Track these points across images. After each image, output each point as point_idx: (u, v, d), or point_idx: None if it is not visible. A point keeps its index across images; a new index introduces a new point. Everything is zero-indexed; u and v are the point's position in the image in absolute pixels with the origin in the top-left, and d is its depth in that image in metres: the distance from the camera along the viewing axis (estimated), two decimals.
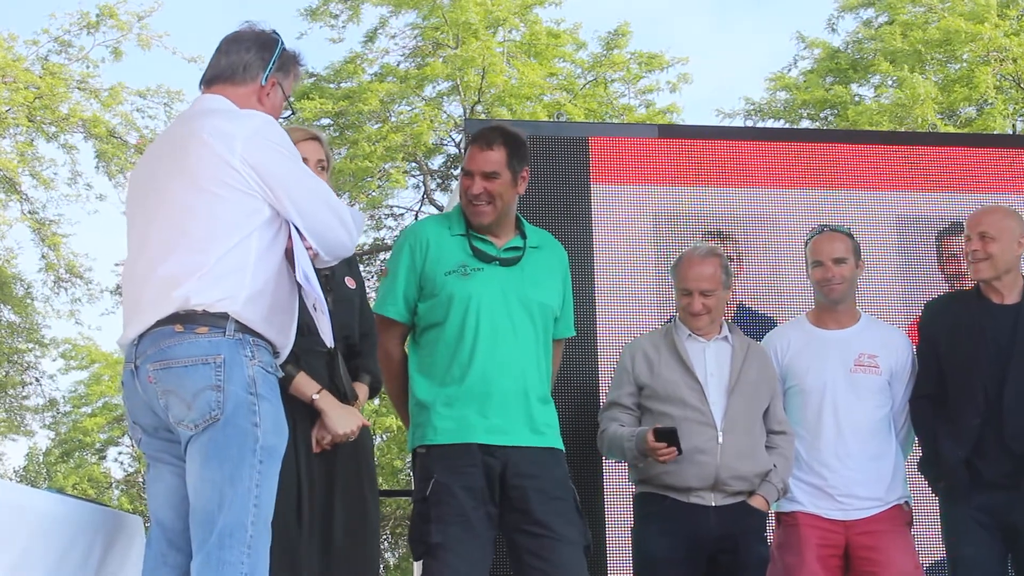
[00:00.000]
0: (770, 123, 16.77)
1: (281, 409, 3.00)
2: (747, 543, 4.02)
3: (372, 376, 3.71)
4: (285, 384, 3.24)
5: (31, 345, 18.95)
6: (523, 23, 17.09)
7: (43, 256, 16.79)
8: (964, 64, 15.01)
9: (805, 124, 16.27)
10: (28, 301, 17.59)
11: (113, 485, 26.30)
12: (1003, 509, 4.07)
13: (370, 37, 17.22)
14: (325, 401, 3.44)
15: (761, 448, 4.09)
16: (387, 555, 21.25)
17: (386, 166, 16.59)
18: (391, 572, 21.68)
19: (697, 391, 4.06)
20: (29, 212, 16.48)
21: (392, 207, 17.76)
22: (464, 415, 3.66)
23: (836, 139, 5.62)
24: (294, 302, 3.13)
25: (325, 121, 16.20)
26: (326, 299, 3.20)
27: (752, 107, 17.11)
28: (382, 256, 16.66)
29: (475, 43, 15.95)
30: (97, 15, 15.99)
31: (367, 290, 3.89)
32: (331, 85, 16.85)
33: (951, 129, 14.55)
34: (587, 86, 17.36)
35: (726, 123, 16.94)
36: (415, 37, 17.14)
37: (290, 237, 3.05)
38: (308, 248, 3.07)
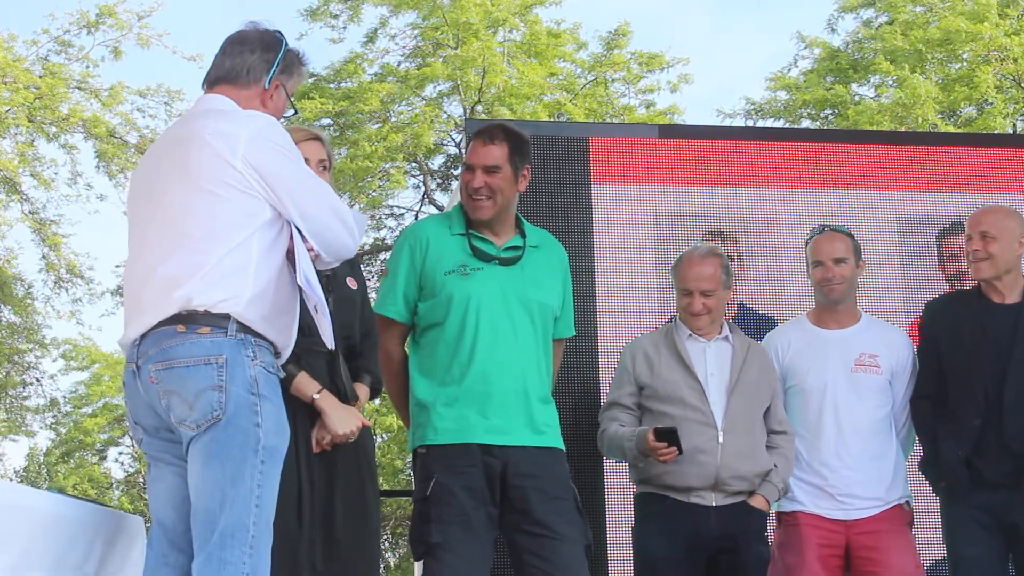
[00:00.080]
0: (770, 123, 16.78)
1: (283, 409, 3.00)
2: (747, 543, 4.02)
3: (373, 377, 3.71)
4: (286, 384, 3.24)
5: (31, 345, 18.95)
6: (523, 23, 17.09)
7: (43, 256, 16.81)
8: (964, 64, 15.01)
9: (805, 124, 16.27)
10: (28, 301, 17.60)
11: (114, 485, 26.32)
12: (1003, 509, 4.07)
13: (370, 37, 17.24)
14: (325, 401, 3.44)
15: (762, 448, 4.09)
16: (388, 555, 21.26)
17: (386, 166, 16.60)
18: (392, 572, 21.68)
19: (697, 391, 4.06)
20: (29, 212, 16.49)
21: (392, 207, 17.79)
22: (464, 415, 3.66)
23: (837, 139, 5.62)
24: (295, 303, 3.12)
25: (325, 121, 16.21)
26: (327, 300, 3.20)
27: (752, 107, 17.12)
28: (382, 256, 16.66)
29: (475, 43, 15.96)
30: (97, 15, 15.99)
31: (368, 290, 3.89)
32: (331, 85, 16.86)
33: (951, 129, 14.56)
34: (587, 86, 17.37)
35: (726, 123, 16.95)
36: (415, 37, 17.15)
37: (291, 238, 3.05)
38: (309, 249, 3.06)
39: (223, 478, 2.84)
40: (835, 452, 4.20)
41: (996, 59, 14.75)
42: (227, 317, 2.91)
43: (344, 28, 17.25)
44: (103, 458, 26.54)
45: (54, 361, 22.86)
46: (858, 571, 4.17)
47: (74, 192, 16.71)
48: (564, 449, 3.82)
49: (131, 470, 25.66)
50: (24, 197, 16.41)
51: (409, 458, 3.93)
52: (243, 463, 2.86)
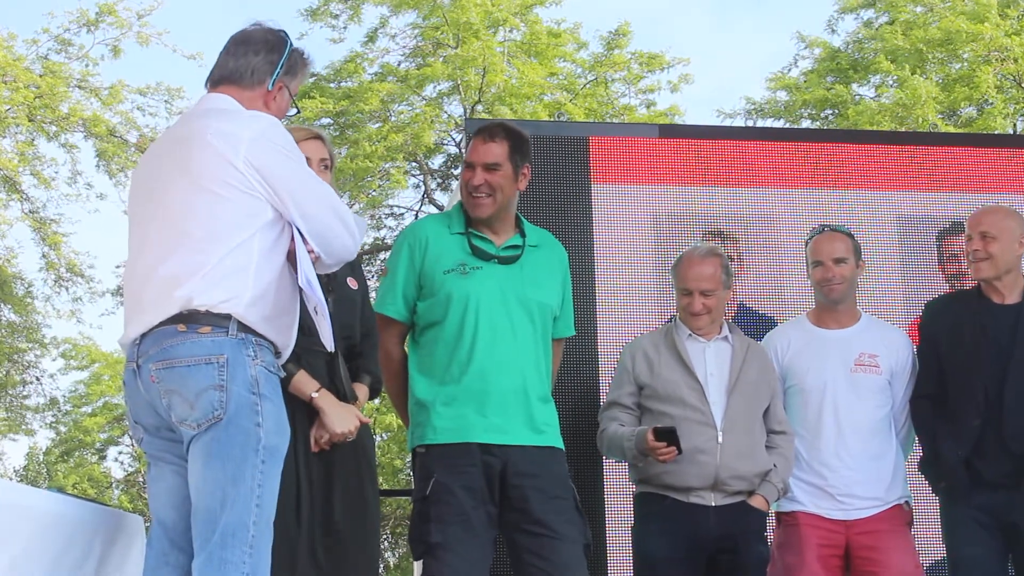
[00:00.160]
0: (770, 123, 16.78)
1: (283, 409, 3.00)
2: (747, 543, 4.02)
3: (372, 377, 3.71)
4: (284, 382, 3.24)
5: (31, 345, 18.96)
6: (523, 23, 17.09)
7: (43, 255, 16.81)
8: (965, 64, 15.01)
9: (805, 124, 16.27)
10: (28, 300, 17.60)
11: (113, 484, 26.32)
12: (1003, 509, 4.07)
13: (370, 37, 17.24)
14: (324, 400, 3.44)
15: (761, 448, 4.09)
16: (387, 555, 21.25)
17: (386, 166, 16.60)
18: (391, 572, 21.68)
19: (697, 391, 4.06)
20: (29, 211, 16.48)
21: (392, 207, 17.79)
22: (463, 414, 3.66)
23: (837, 139, 5.62)
24: (295, 303, 3.12)
25: (325, 120, 16.21)
26: (327, 299, 3.19)
27: (753, 107, 17.12)
28: (382, 256, 16.66)
29: (475, 43, 15.96)
30: (97, 13, 15.99)
31: (369, 290, 3.89)
32: (331, 84, 16.86)
33: (952, 129, 14.56)
34: (587, 86, 17.37)
35: (726, 123, 16.95)
36: (415, 37, 17.15)
37: (292, 240, 3.04)
38: (310, 251, 3.06)
39: (224, 477, 2.84)
40: (835, 452, 4.20)
41: (996, 59, 14.75)
42: (228, 317, 2.91)
43: (344, 28, 17.26)
44: (103, 457, 26.55)
45: (54, 360, 22.87)
46: (857, 571, 4.17)
47: (74, 191, 16.71)
48: (563, 448, 3.82)
49: (131, 469, 25.66)
50: (24, 196, 16.41)
51: (409, 457, 3.93)
52: (244, 463, 2.86)
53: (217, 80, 3.19)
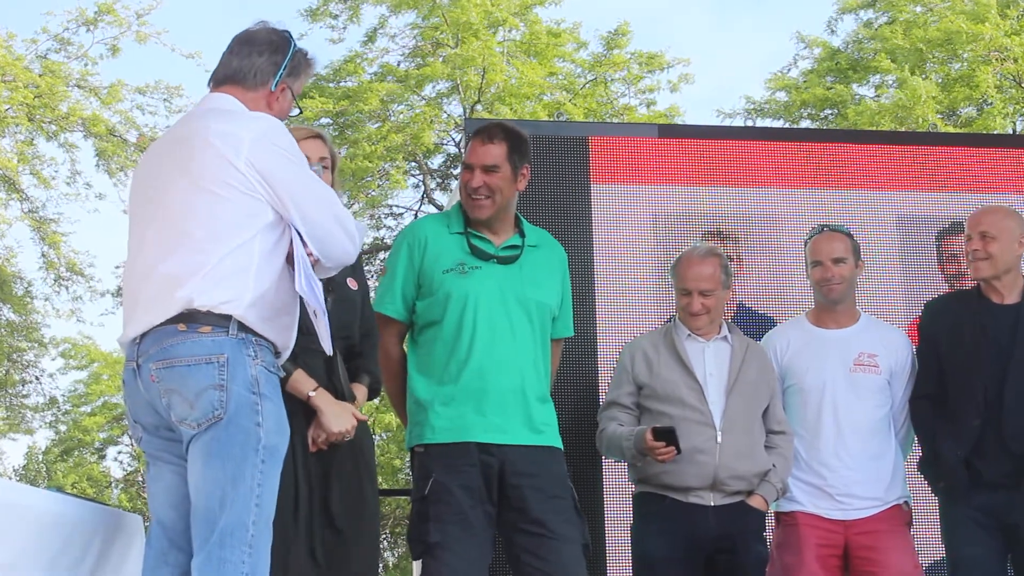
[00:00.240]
0: (770, 123, 16.79)
1: (283, 409, 3.00)
2: (746, 543, 4.02)
3: (372, 377, 3.70)
4: (282, 381, 3.24)
5: (31, 344, 18.96)
6: (523, 22, 17.09)
7: (43, 255, 16.80)
8: (965, 63, 15.02)
9: (805, 124, 16.28)
10: (28, 300, 17.60)
11: (112, 484, 26.32)
12: (1003, 509, 4.07)
13: (370, 37, 17.24)
14: (321, 399, 3.43)
15: (760, 448, 4.09)
16: (387, 554, 21.26)
17: (386, 166, 16.61)
18: (391, 572, 21.68)
19: (696, 391, 4.06)
20: (29, 211, 16.48)
21: (392, 206, 17.79)
22: (462, 414, 3.66)
23: (836, 139, 5.62)
24: (295, 304, 3.12)
25: (325, 120, 16.21)
26: (327, 299, 3.19)
27: (752, 106, 17.13)
28: (382, 255, 16.66)
29: (475, 42, 15.96)
30: (96, 12, 15.99)
31: (369, 291, 3.88)
32: (331, 84, 16.86)
33: (951, 129, 14.56)
34: (587, 86, 17.37)
35: (726, 123, 16.96)
36: (415, 37, 17.15)
37: (292, 243, 3.04)
38: (309, 254, 3.05)
39: (223, 477, 2.84)
40: (834, 452, 4.20)
41: (996, 59, 14.76)
42: (228, 317, 2.91)
43: (344, 28, 17.26)
44: (102, 457, 26.55)
45: (53, 360, 22.88)
46: (856, 571, 4.17)
47: (73, 191, 16.71)
48: (562, 448, 3.82)
49: (130, 469, 25.66)
50: (24, 196, 16.41)
51: (408, 457, 3.93)
52: (244, 462, 2.86)
53: (220, 80, 3.19)
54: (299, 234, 3.03)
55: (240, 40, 3.22)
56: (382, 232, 17.60)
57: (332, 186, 3.64)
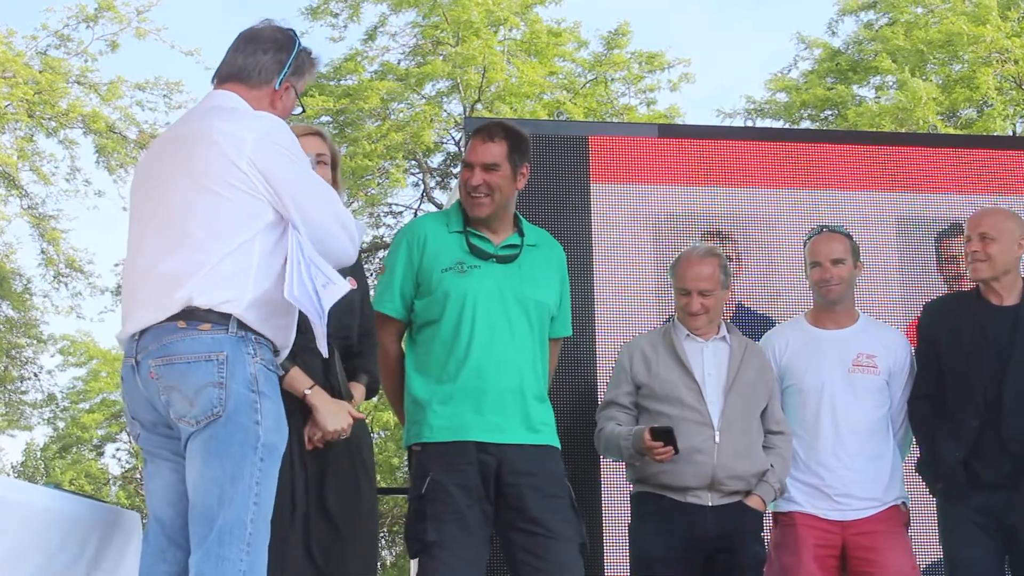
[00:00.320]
0: (770, 123, 16.79)
1: (282, 407, 2.99)
2: (744, 543, 4.02)
3: (370, 376, 3.69)
4: (279, 379, 3.23)
5: (30, 340, 18.96)
6: (523, 22, 17.09)
7: (42, 252, 16.80)
8: (965, 65, 15.02)
9: (805, 125, 16.28)
10: (27, 297, 17.60)
11: (111, 481, 26.33)
12: (1001, 510, 4.07)
13: (370, 35, 17.24)
14: (317, 397, 3.43)
15: (758, 448, 4.09)
16: (384, 553, 21.27)
17: (386, 164, 16.60)
18: (388, 571, 21.70)
19: (695, 391, 4.06)
20: (28, 207, 16.48)
21: (391, 205, 17.79)
22: (459, 413, 3.66)
23: (836, 140, 5.62)
24: (295, 304, 3.11)
25: (325, 119, 16.21)
26: None
27: (753, 106, 17.13)
28: (381, 254, 16.66)
29: (476, 41, 15.96)
30: (96, 8, 15.99)
31: (369, 290, 3.87)
32: (331, 83, 16.86)
33: (951, 130, 14.56)
34: (587, 85, 17.37)
35: (726, 123, 16.96)
36: (415, 35, 17.15)
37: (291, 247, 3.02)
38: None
39: (222, 475, 2.84)
40: (832, 452, 4.20)
41: (997, 61, 14.76)
42: (228, 315, 2.90)
43: (344, 27, 17.27)
44: (100, 454, 26.56)
45: (52, 357, 22.89)
46: (854, 572, 4.17)
47: (73, 187, 16.72)
48: (560, 447, 3.82)
49: (128, 466, 25.67)
50: (23, 192, 16.41)
51: (406, 455, 3.92)
52: (243, 460, 2.85)
53: (224, 77, 3.18)
54: (296, 241, 3.01)
55: (245, 38, 3.21)
56: (381, 231, 17.61)
57: (334, 185, 3.63)
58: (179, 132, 3.13)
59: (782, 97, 16.94)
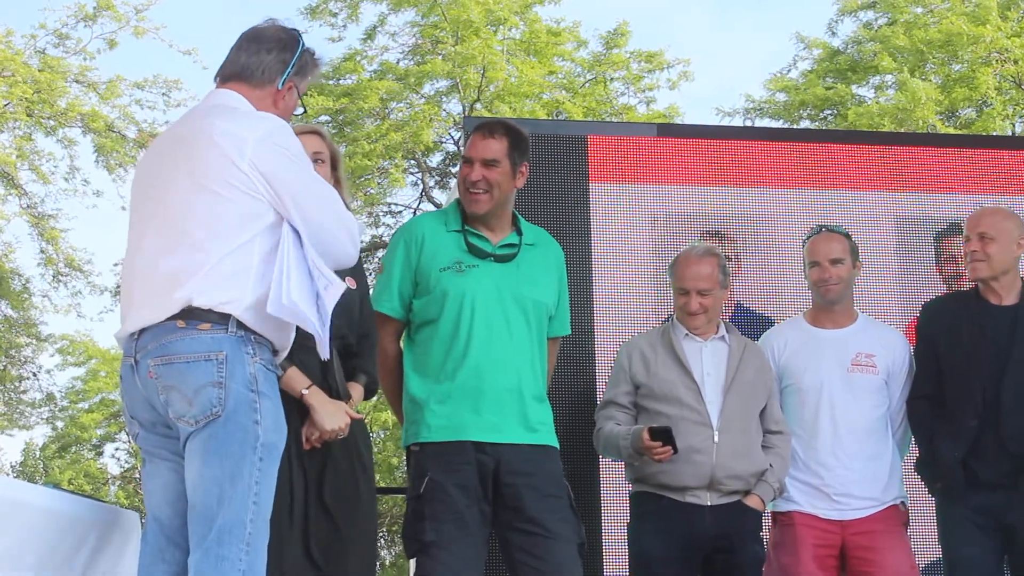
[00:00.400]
0: (769, 123, 16.80)
1: (281, 407, 2.99)
2: (743, 542, 4.02)
3: (369, 377, 3.68)
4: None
5: (29, 340, 18.95)
6: (523, 21, 17.09)
7: (42, 251, 16.80)
8: (965, 64, 15.02)
9: (805, 124, 16.29)
10: (26, 296, 17.59)
11: (110, 481, 26.32)
12: (1000, 510, 4.07)
13: (369, 35, 17.23)
14: (314, 397, 3.42)
15: (757, 447, 4.09)
16: (383, 552, 21.27)
17: (385, 164, 16.61)
18: (387, 570, 21.70)
19: (693, 390, 4.06)
20: (27, 207, 16.48)
21: (391, 204, 17.79)
22: (457, 412, 3.66)
23: (835, 139, 5.62)
24: None
25: (324, 118, 16.21)
26: None
27: (752, 105, 17.13)
28: (380, 253, 16.66)
29: (475, 41, 15.96)
30: (95, 7, 15.98)
31: (369, 290, 3.86)
32: (330, 82, 16.85)
33: (950, 130, 14.56)
34: (587, 85, 17.37)
35: (726, 121, 16.97)
36: (414, 35, 17.15)
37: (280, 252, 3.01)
38: None
39: (222, 475, 2.84)
40: (831, 452, 4.20)
41: (996, 61, 14.76)
42: (227, 315, 2.90)
43: (344, 27, 17.27)
44: (99, 453, 26.56)
45: (51, 356, 22.88)
46: (853, 571, 4.17)
47: (71, 187, 16.72)
48: (558, 447, 3.81)
49: (127, 465, 25.67)
50: (22, 191, 16.41)
51: (405, 455, 3.92)
52: (242, 460, 2.85)
53: (227, 76, 3.18)
54: (295, 240, 3.01)
55: (249, 37, 3.21)
56: (381, 230, 17.61)
57: (335, 184, 3.63)
58: (180, 132, 3.13)
59: (781, 97, 16.94)
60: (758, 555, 4.09)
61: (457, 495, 3.59)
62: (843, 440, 4.20)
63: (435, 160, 17.94)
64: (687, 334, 4.16)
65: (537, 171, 4.62)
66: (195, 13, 34.91)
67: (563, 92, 16.88)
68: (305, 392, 3.42)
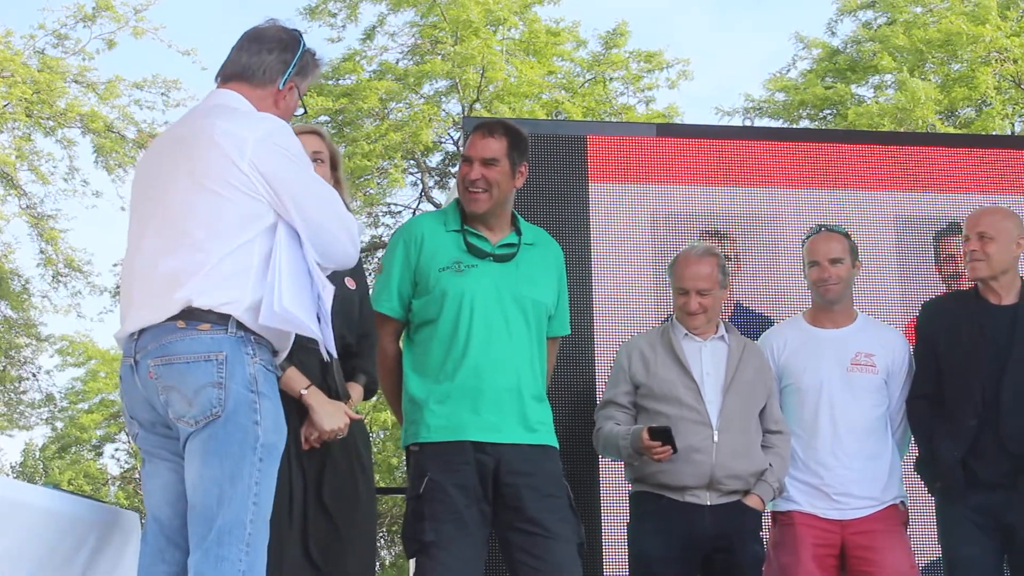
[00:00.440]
0: (769, 122, 16.79)
1: (281, 407, 2.99)
2: (742, 542, 4.02)
3: (368, 377, 3.68)
4: None
5: (29, 340, 18.95)
6: (522, 21, 17.09)
7: (41, 251, 16.80)
8: (965, 64, 15.02)
9: (804, 124, 16.29)
10: (25, 297, 17.59)
11: (109, 481, 26.31)
12: (1000, 509, 4.08)
13: (368, 35, 17.23)
14: (313, 397, 3.42)
15: (757, 447, 4.09)
16: (383, 553, 21.26)
17: (384, 164, 16.60)
18: (387, 570, 21.70)
19: (693, 390, 4.06)
20: (27, 207, 16.48)
21: (390, 205, 17.79)
22: (456, 412, 3.66)
23: (834, 139, 5.62)
24: None
25: (324, 118, 16.20)
26: None
27: (752, 104, 17.13)
28: (380, 253, 16.65)
29: (474, 41, 15.95)
30: (94, 7, 15.98)
31: (369, 290, 3.86)
32: (330, 82, 16.85)
33: (950, 129, 14.56)
34: (586, 85, 17.37)
35: (725, 121, 16.97)
36: (413, 35, 17.15)
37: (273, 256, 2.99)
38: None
39: (221, 475, 2.84)
40: (831, 451, 4.20)
41: (996, 60, 14.76)
42: (227, 315, 2.90)
43: (343, 27, 17.27)
44: (99, 454, 26.54)
45: (51, 357, 22.87)
46: (853, 571, 4.17)
47: (71, 187, 16.72)
48: (557, 447, 3.81)
49: (127, 466, 25.65)
50: (21, 192, 16.40)
51: (405, 455, 3.92)
52: (242, 460, 2.85)
53: (228, 76, 3.18)
54: (290, 242, 3.00)
55: (250, 37, 3.21)
56: (380, 230, 17.61)
57: (335, 184, 3.63)
58: (180, 132, 3.13)
59: (781, 97, 16.94)
60: (758, 555, 4.09)
61: (457, 495, 3.59)
62: (843, 440, 4.20)
63: (434, 160, 17.95)
64: (687, 334, 4.16)
65: (536, 171, 4.62)
66: (194, 13, 34.90)
67: (562, 92, 16.87)
68: (304, 392, 3.41)
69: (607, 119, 16.38)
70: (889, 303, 5.10)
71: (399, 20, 17.18)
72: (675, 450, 3.89)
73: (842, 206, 5.15)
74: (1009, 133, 14.97)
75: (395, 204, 17.78)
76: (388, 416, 16.68)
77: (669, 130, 7.34)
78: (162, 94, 16.40)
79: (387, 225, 17.65)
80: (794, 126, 15.88)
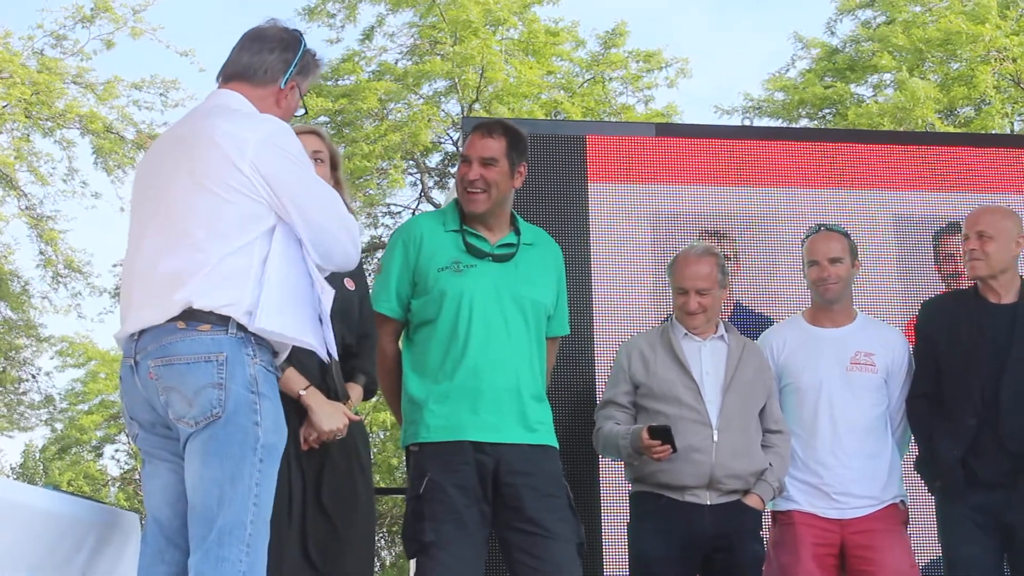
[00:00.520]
0: (768, 122, 16.80)
1: (281, 408, 2.99)
2: (742, 542, 4.02)
3: (368, 377, 3.68)
4: None
5: (29, 341, 18.95)
6: (521, 21, 17.09)
7: (41, 252, 16.80)
8: (964, 63, 15.02)
9: (803, 123, 16.29)
10: (25, 298, 17.59)
11: (109, 482, 26.31)
12: (999, 508, 4.08)
13: (367, 36, 17.23)
14: (312, 398, 3.42)
15: (756, 447, 4.09)
16: (383, 553, 21.26)
17: (384, 164, 16.60)
18: (387, 571, 21.70)
19: (693, 390, 4.06)
20: (26, 208, 16.48)
21: (389, 205, 17.79)
22: (456, 412, 3.65)
23: (834, 138, 5.62)
24: None
25: (323, 119, 16.21)
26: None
27: (751, 103, 17.14)
28: (379, 254, 16.66)
29: (474, 41, 15.96)
30: (92, 8, 15.98)
31: (368, 290, 3.86)
32: (329, 83, 16.85)
33: (949, 128, 14.57)
34: (585, 85, 17.37)
35: (724, 120, 16.98)
36: (412, 35, 17.15)
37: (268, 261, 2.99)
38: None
39: (222, 476, 2.84)
40: (830, 451, 4.20)
41: (995, 59, 14.76)
42: (227, 316, 2.90)
43: (342, 27, 17.28)
44: (99, 455, 26.54)
45: (51, 358, 22.87)
46: (853, 570, 4.17)
47: (70, 188, 16.72)
48: (557, 447, 3.81)
49: (127, 467, 25.65)
50: (21, 193, 16.41)
51: (404, 455, 3.92)
52: (242, 461, 2.85)
53: (229, 76, 3.18)
54: (285, 251, 2.99)
55: (251, 37, 3.21)
56: (380, 231, 17.61)
57: (335, 185, 3.63)
58: (181, 132, 3.12)
59: (780, 96, 16.94)
60: (758, 554, 4.09)
61: (456, 495, 3.59)
62: (842, 439, 4.20)
63: (434, 160, 17.95)
64: (686, 334, 4.16)
65: (536, 171, 4.62)
66: (192, 14, 34.90)
67: (561, 92, 16.88)
68: (303, 393, 3.41)
69: (606, 119, 16.39)
70: (889, 302, 5.10)
71: (398, 20, 17.21)
72: (675, 449, 3.89)
73: (841, 205, 5.15)
74: (1008, 132, 14.97)
75: (395, 204, 17.80)
76: (388, 416, 16.68)
77: (668, 130, 7.34)
78: (161, 94, 16.42)
79: (387, 226, 17.66)
80: (794, 126, 15.88)
